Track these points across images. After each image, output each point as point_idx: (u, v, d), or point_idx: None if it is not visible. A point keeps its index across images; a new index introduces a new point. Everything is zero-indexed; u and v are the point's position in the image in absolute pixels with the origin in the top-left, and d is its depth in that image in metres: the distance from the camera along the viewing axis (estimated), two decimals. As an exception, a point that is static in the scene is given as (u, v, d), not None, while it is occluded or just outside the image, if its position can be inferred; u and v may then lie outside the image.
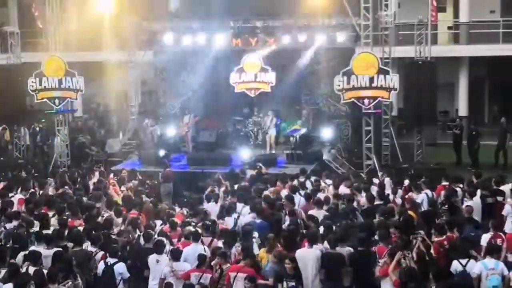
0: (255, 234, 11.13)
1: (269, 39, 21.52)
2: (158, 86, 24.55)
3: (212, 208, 13.22)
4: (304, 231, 11.34)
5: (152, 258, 10.22)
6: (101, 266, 10.06)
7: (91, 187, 15.47)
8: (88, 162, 21.01)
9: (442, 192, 13.59)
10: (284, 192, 14.02)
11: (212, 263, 9.88)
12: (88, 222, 11.87)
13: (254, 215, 12.01)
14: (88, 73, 22.51)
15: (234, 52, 21.79)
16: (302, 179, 15.40)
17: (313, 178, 15.58)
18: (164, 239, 10.80)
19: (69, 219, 12.09)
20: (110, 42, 26.55)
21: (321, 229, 11.13)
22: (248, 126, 22.04)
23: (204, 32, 22.00)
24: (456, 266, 9.63)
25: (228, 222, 12.13)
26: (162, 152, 19.86)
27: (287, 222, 11.90)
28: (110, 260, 10.05)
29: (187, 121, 21.87)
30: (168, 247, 10.62)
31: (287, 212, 12.38)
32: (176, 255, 10.06)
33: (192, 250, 10.32)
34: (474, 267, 9.52)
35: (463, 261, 9.63)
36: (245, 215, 12.41)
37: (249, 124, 22.04)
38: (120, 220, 12.22)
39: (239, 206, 12.88)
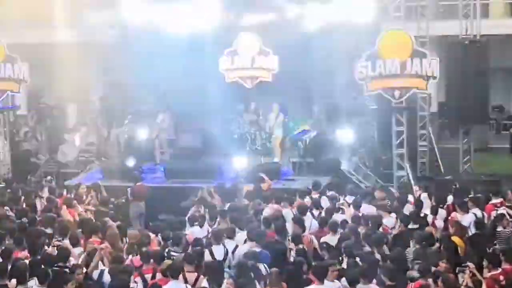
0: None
1: (269, 12, 21.59)
2: (125, 76, 24.59)
3: (197, 233, 13.30)
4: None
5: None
6: None
7: (39, 207, 15.48)
8: (35, 175, 21.04)
9: (493, 213, 13.67)
10: (289, 213, 14.09)
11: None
12: (34, 253, 11.93)
13: (253, 244, 12.06)
14: (34, 59, 22.56)
15: (224, 30, 21.88)
16: (315, 195, 15.48)
17: (329, 193, 15.67)
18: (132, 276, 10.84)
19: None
20: (62, 18, 26.67)
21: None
22: (243, 127, 22.10)
23: (185, 4, 22.08)
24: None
25: (217, 252, 12.19)
26: (131, 162, 19.94)
27: (293, 252, 11.97)
28: None
29: (161, 120, 21.96)
30: (137, 286, 10.66)
31: (292, 238, 12.46)
32: None
33: (171, 290, 10.35)
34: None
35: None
36: (240, 243, 12.49)
37: (244, 123, 22.10)
38: (77, 250, 12.27)
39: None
